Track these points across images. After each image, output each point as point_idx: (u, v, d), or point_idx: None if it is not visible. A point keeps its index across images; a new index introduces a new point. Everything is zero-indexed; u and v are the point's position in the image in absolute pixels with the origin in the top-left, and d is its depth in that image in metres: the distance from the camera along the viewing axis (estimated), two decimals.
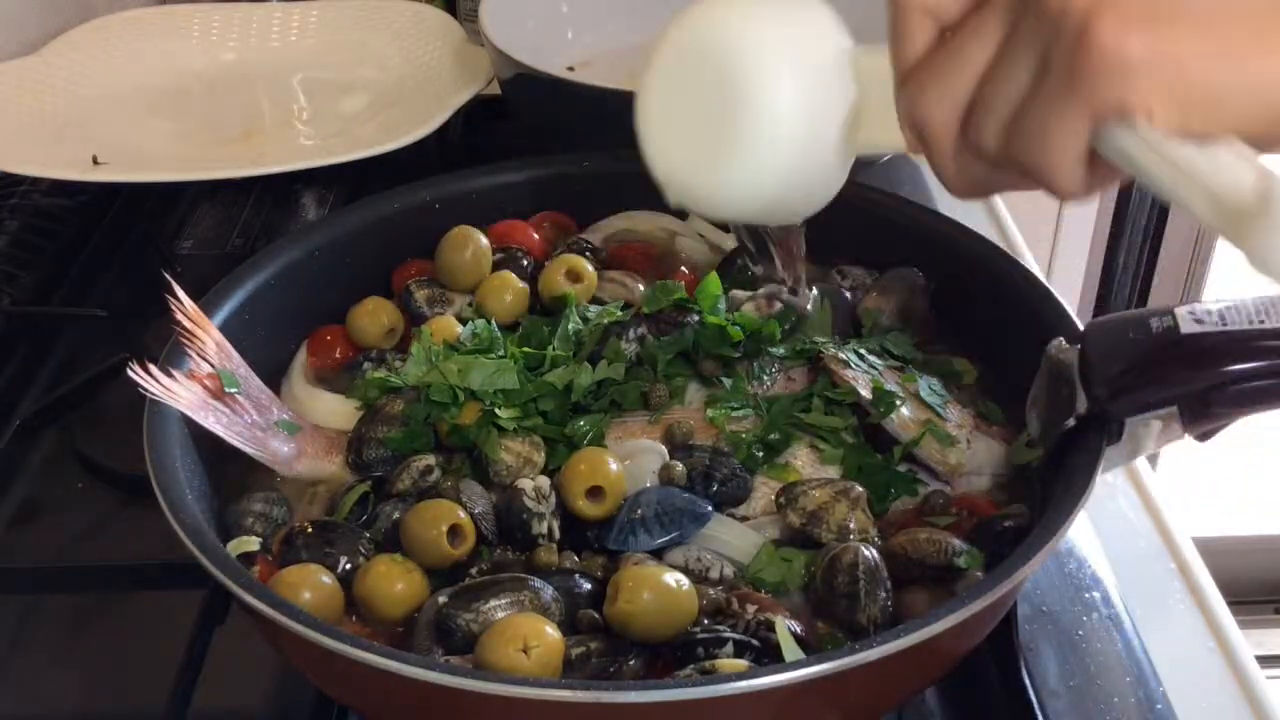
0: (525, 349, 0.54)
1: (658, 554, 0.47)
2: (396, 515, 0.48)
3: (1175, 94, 0.33)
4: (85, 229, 0.78)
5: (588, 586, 0.45)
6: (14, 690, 0.51)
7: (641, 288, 0.60)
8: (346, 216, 0.62)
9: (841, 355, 0.52)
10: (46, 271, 0.73)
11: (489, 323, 0.57)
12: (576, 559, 0.47)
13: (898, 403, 0.50)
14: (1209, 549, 0.59)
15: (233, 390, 0.50)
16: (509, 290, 0.59)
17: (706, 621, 0.43)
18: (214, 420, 0.49)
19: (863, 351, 0.53)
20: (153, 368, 0.47)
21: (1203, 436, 0.44)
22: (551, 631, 0.42)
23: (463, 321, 0.57)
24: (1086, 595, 0.52)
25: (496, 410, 0.51)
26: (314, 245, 0.59)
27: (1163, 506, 0.59)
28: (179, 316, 0.50)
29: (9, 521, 0.59)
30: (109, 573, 0.54)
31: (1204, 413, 0.43)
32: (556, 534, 0.47)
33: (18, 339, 0.68)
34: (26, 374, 0.68)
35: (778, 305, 0.55)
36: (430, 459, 0.50)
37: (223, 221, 0.82)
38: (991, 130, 0.36)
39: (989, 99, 0.36)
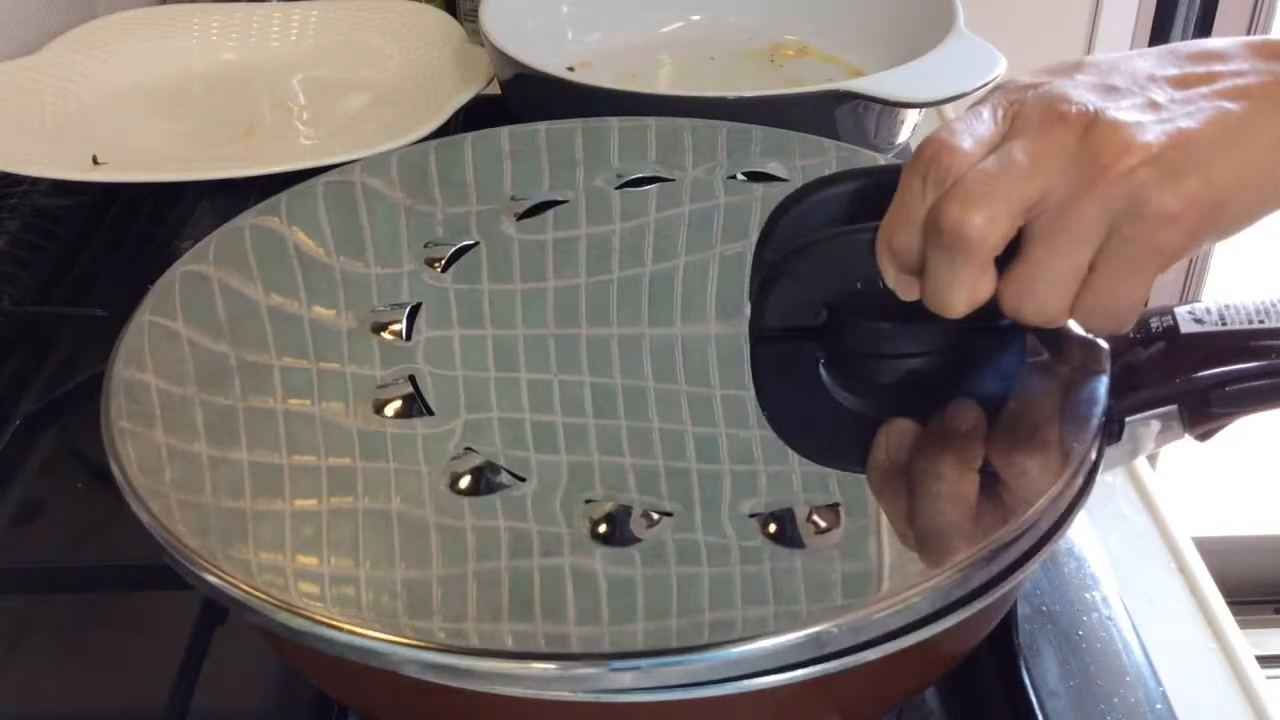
0: None
1: None
2: None
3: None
4: (85, 229, 0.78)
5: None
6: (13, 690, 0.51)
7: None
8: None
9: None
10: (46, 271, 0.73)
11: None
12: None
13: None
14: (1209, 549, 0.59)
15: None
16: None
17: None
18: None
19: None
20: None
21: (1203, 436, 0.44)
22: None
23: None
24: (1086, 595, 0.52)
25: None
26: None
27: (1163, 506, 0.59)
28: None
29: (9, 521, 0.59)
30: (109, 573, 0.54)
31: (1204, 412, 0.43)
32: None
33: (17, 339, 0.68)
34: (26, 374, 0.68)
35: None
36: None
37: (222, 221, 0.82)
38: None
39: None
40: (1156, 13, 1.33)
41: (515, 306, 0.48)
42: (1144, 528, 0.58)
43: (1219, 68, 0.38)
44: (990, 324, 0.41)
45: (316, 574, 0.38)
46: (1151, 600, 0.54)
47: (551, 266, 0.51)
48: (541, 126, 0.60)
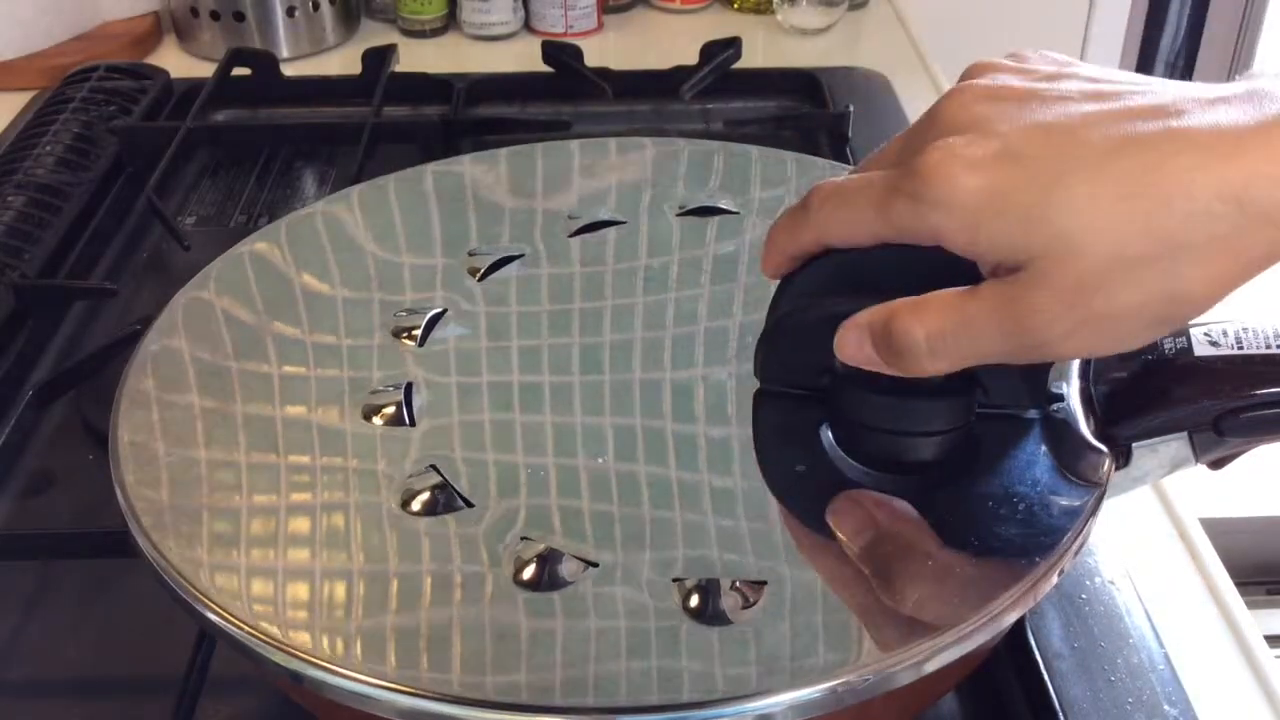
0: None
1: None
2: None
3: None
4: (90, 204, 0.78)
5: None
6: (28, 655, 0.51)
7: None
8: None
9: None
10: (53, 246, 0.73)
11: None
12: None
13: None
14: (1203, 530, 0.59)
15: None
16: None
17: None
18: None
19: None
20: None
21: (1215, 465, 0.42)
22: None
23: None
24: (1089, 560, 0.53)
25: None
26: None
27: (1165, 481, 0.60)
28: None
29: (20, 492, 0.59)
30: (122, 538, 0.54)
31: (1217, 441, 0.41)
32: None
33: (27, 312, 0.68)
34: (36, 347, 0.68)
35: None
36: None
37: (225, 198, 0.83)
38: None
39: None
40: (1149, 10, 1.33)
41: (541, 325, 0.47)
42: (1144, 493, 0.59)
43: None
44: (1002, 409, 0.40)
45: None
46: (1151, 561, 0.55)
47: (595, 286, 0.49)
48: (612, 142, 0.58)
